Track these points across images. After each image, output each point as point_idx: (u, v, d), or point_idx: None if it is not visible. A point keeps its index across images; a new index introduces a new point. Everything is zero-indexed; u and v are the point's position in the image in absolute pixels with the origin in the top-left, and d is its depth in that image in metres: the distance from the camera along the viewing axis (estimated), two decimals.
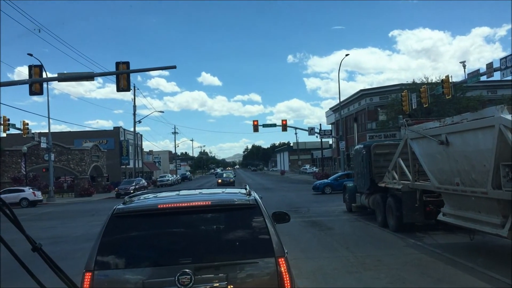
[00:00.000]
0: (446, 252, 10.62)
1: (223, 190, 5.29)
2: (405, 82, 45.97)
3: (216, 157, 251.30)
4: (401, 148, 14.09)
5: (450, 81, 29.25)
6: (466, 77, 29.11)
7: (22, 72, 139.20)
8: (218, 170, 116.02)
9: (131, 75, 24.13)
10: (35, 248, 1.72)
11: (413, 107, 33.35)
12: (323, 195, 32.40)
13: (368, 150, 17.04)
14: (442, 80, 30.36)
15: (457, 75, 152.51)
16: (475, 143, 9.23)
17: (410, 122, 13.75)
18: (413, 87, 38.80)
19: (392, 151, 15.52)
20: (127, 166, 66.81)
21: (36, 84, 22.64)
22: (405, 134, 13.45)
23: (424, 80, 41.50)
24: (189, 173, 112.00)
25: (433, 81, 40.08)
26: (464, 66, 34.58)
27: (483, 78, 27.33)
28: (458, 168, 10.00)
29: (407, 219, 13.38)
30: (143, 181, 53.17)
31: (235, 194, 4.87)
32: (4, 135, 44.58)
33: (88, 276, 3.80)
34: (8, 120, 34.41)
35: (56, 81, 26.75)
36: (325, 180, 36.49)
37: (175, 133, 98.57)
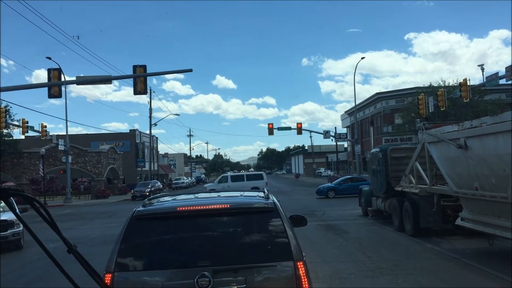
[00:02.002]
0: (464, 257, 10.49)
1: (242, 193, 5.31)
2: (421, 85, 45.60)
3: (230, 160, 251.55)
4: (419, 152, 13.98)
5: (468, 84, 28.92)
6: (484, 80, 28.76)
7: (40, 75, 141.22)
8: (229, 174, 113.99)
9: (147, 78, 24.31)
10: (70, 250, 1.77)
11: (430, 111, 33.04)
12: (328, 199, 32.19)
13: (384, 154, 16.94)
14: (460, 83, 30.06)
15: (475, 78, 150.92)
16: (495, 147, 9.12)
17: (428, 126, 13.63)
18: (429, 91, 38.43)
19: (409, 155, 15.41)
20: (143, 169, 67.25)
21: (55, 87, 22.96)
22: (423, 138, 13.34)
23: (441, 83, 41.11)
24: (204, 176, 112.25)
25: (450, 84, 39.69)
26: (482, 69, 34.11)
27: (502, 81, 26.97)
28: (477, 172, 9.88)
29: (424, 223, 13.26)
30: (159, 183, 53.50)
31: (253, 197, 4.88)
32: (22, 137, 45.32)
33: (108, 277, 3.85)
34: (27, 122, 34.94)
35: (73, 84, 27.12)
36: (329, 184, 36.22)
37: (190, 136, 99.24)
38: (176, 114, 73.89)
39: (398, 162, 16.34)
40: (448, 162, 11.55)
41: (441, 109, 32.12)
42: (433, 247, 11.97)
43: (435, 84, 41.51)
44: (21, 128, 34.80)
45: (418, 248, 12.18)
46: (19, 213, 1.67)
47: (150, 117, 57.66)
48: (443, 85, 39.23)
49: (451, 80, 41.28)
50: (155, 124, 59.84)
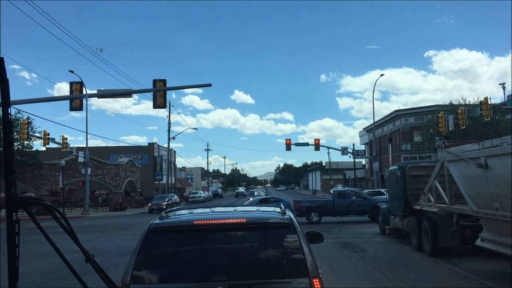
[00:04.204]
0: (484, 279, 10.26)
1: (258, 208, 5.30)
2: (441, 103, 45.23)
3: (247, 175, 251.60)
4: (438, 170, 13.80)
5: (489, 102, 28.61)
6: (506, 99, 28.41)
7: (61, 88, 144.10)
8: (241, 189, 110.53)
9: (166, 92, 24.59)
10: (88, 259, 1.80)
11: (450, 129, 32.70)
12: None
13: (403, 172, 16.76)
14: (481, 101, 29.75)
15: (496, 97, 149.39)
16: None
17: (447, 144, 13.48)
18: (449, 109, 38.09)
19: (427, 173, 15.22)
20: (160, 182, 67.61)
21: (76, 100, 23.37)
22: (442, 156, 13.18)
23: (462, 101, 40.72)
24: (220, 190, 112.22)
25: (471, 102, 39.29)
26: (504, 88, 33.73)
27: None
28: (498, 192, 9.70)
29: (443, 243, 13.04)
30: (176, 197, 53.67)
31: (270, 212, 4.86)
32: (43, 148, 46.12)
33: None
34: (48, 134, 35.57)
35: (94, 97, 27.54)
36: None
37: (207, 150, 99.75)
38: (194, 128, 74.69)
39: (417, 180, 16.14)
40: (468, 181, 11.38)
41: (461, 128, 31.78)
42: (452, 268, 11.74)
43: (455, 102, 41.14)
44: (42, 140, 35.44)
45: (436, 268, 11.96)
46: (39, 223, 1.70)
47: (169, 131, 58.20)
48: (463, 103, 38.86)
49: (472, 99, 40.92)
50: (174, 138, 60.37)
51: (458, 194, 12.58)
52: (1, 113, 1.45)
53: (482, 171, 10.20)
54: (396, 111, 56.89)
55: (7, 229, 1.45)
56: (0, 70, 1.41)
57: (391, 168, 20.08)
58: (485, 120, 30.74)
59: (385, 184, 24.27)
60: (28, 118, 38.64)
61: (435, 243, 13.35)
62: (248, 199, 51.40)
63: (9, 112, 1.47)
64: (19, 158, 43.38)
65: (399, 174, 17.09)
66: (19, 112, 39.42)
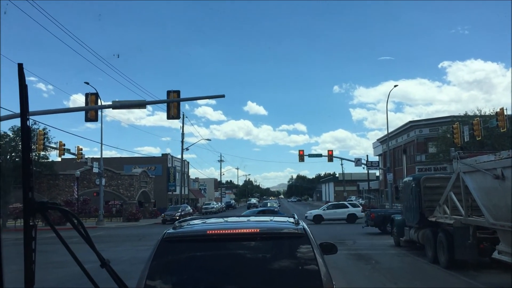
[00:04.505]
0: None
1: (271, 218, 5.28)
2: (456, 114, 44.80)
3: (260, 186, 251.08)
4: (453, 182, 13.65)
5: (505, 113, 28.33)
6: None
7: (77, 99, 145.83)
8: (253, 200, 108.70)
9: (180, 103, 24.74)
10: (103, 264, 1.80)
11: (465, 140, 32.38)
12: None
13: (417, 183, 16.60)
14: (497, 112, 29.47)
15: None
16: None
17: (463, 155, 13.35)
18: (465, 120, 37.73)
19: (443, 185, 15.06)
20: (174, 193, 67.81)
21: (91, 111, 23.63)
22: (458, 167, 13.04)
23: (477, 112, 40.30)
24: (233, 201, 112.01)
25: (486, 113, 38.87)
26: None
27: None
28: None
29: (459, 256, 12.85)
30: (189, 207, 53.74)
31: (283, 222, 4.84)
32: (58, 159, 46.53)
33: None
34: (64, 145, 35.95)
35: (109, 108, 27.82)
36: None
37: (221, 161, 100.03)
38: (208, 139, 74.76)
39: (432, 191, 15.97)
40: (484, 192, 11.23)
41: (477, 139, 31.43)
42: (469, 281, 11.54)
43: (470, 113, 40.73)
44: (58, 151, 35.82)
45: (453, 281, 11.78)
46: (55, 228, 1.71)
47: (182, 142, 58.45)
48: (478, 114, 38.45)
49: (487, 109, 40.46)
50: (187, 149, 60.56)
51: (474, 205, 12.43)
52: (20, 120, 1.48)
53: (498, 182, 10.07)
54: (410, 122, 56.54)
55: (24, 234, 1.46)
56: (19, 75, 1.44)
57: (405, 179, 19.91)
58: (501, 131, 30.41)
59: (399, 195, 24.00)
60: (44, 129, 39.12)
61: (451, 255, 13.16)
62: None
63: (28, 118, 1.49)
64: (35, 168, 43.86)
65: (413, 185, 16.93)
66: (35, 123, 39.88)
